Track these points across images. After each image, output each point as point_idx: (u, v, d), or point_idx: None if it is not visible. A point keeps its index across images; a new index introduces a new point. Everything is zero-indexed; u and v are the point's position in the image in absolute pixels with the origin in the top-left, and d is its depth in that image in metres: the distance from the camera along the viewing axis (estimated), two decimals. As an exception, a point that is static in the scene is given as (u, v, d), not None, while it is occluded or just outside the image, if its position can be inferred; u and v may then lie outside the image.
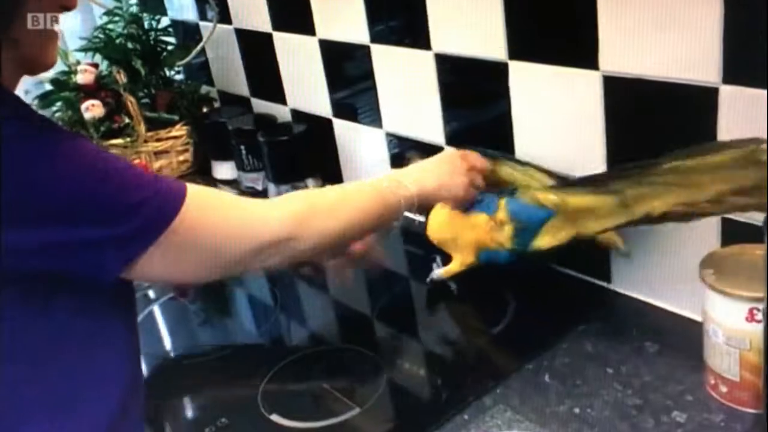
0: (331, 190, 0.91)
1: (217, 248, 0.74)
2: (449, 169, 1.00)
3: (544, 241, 0.98)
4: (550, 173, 1.06)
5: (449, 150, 1.08)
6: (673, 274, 0.98)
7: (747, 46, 0.80)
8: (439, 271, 1.10)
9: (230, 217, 0.75)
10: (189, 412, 0.97)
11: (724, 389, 0.82)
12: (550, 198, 0.96)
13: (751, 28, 0.79)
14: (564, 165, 1.06)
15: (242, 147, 1.56)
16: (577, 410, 0.85)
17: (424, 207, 0.99)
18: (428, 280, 1.11)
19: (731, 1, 0.80)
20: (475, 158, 1.05)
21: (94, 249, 0.66)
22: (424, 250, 1.15)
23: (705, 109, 0.86)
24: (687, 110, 0.88)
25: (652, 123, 0.93)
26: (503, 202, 1.01)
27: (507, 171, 1.09)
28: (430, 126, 1.25)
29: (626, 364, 0.90)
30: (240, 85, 1.71)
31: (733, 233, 0.89)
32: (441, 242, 1.10)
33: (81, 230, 0.64)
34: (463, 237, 1.06)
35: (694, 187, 0.83)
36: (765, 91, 0.80)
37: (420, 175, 0.96)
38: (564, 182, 1.02)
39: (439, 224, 1.09)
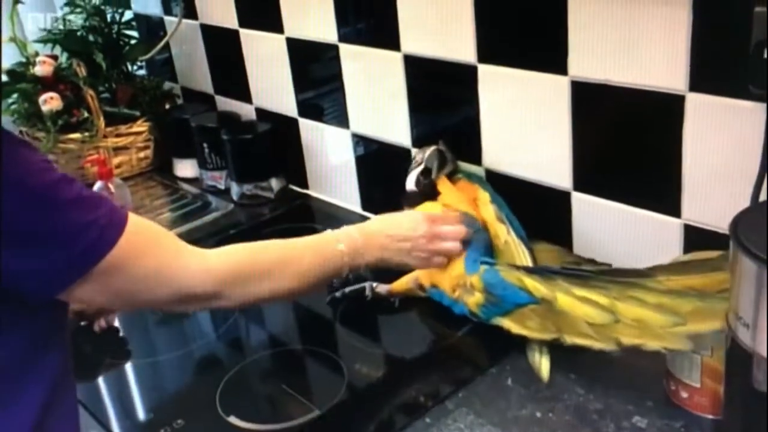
0: (273, 250, 0.86)
1: (139, 289, 0.73)
2: (405, 247, 0.94)
3: (512, 326, 0.92)
4: (531, 251, 1.00)
5: (417, 214, 1.00)
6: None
7: (714, 54, 0.81)
8: (384, 287, 1.07)
9: (162, 262, 0.74)
10: (144, 414, 0.94)
11: (684, 395, 0.82)
12: (540, 290, 0.89)
13: (719, 36, 0.80)
14: (532, 171, 1.06)
15: (205, 145, 1.53)
16: (538, 414, 0.84)
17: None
18: (367, 294, 1.07)
19: (699, 9, 0.81)
20: (448, 230, 0.98)
21: (24, 275, 0.65)
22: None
23: (671, 116, 0.86)
24: (654, 117, 0.89)
25: (619, 129, 0.94)
26: (482, 269, 0.96)
27: (491, 215, 1.04)
28: (397, 128, 1.24)
29: (589, 370, 0.90)
30: (204, 82, 1.68)
31: (695, 240, 0.90)
32: None
33: (16, 257, 0.63)
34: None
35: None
36: (731, 100, 0.81)
37: (374, 246, 0.93)
38: (541, 268, 0.95)
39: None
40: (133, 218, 0.71)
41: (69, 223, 0.66)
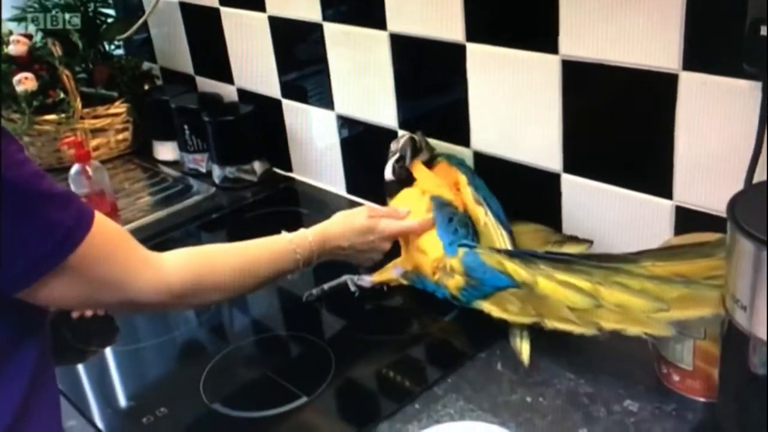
0: (231, 260, 0.86)
1: (93, 293, 0.72)
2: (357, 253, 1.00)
3: (493, 309, 0.92)
4: (510, 233, 0.99)
5: (360, 210, 1.03)
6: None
7: (709, 32, 0.80)
8: (368, 278, 1.05)
9: (119, 270, 0.72)
10: (125, 402, 0.92)
11: (676, 378, 0.81)
12: (521, 273, 0.88)
13: (714, 13, 0.79)
14: (521, 153, 1.05)
15: (186, 127, 1.49)
16: (529, 399, 0.83)
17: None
18: (353, 290, 1.05)
19: (694, -14, 0.79)
20: (386, 224, 1.01)
21: None
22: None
23: (665, 95, 0.85)
24: (646, 97, 0.87)
25: (611, 110, 0.92)
26: (461, 252, 0.95)
27: (469, 197, 1.03)
28: (383, 109, 1.22)
29: (579, 354, 0.89)
30: (184, 63, 1.64)
31: (686, 222, 0.89)
32: None
33: None
34: (412, 246, 1.02)
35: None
36: (726, 79, 0.79)
37: (330, 252, 0.97)
38: (522, 252, 0.93)
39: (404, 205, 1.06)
40: (98, 220, 0.69)
41: (40, 219, 0.64)
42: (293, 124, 1.43)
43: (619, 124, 0.92)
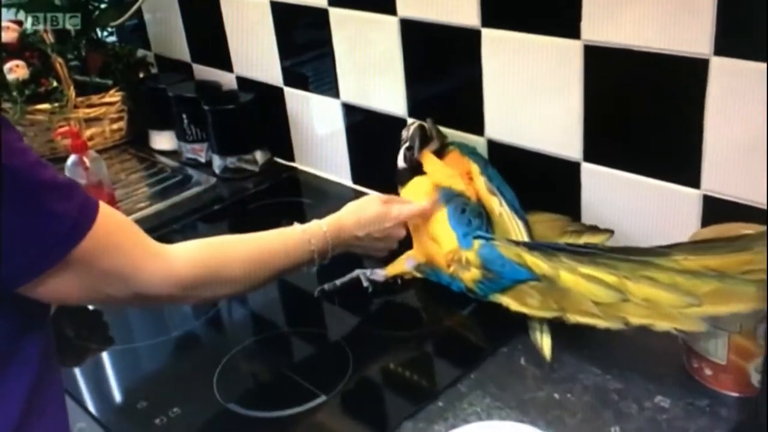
0: (244, 251, 0.82)
1: (100, 286, 0.69)
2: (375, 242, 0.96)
3: (511, 302, 0.88)
4: (526, 223, 0.97)
5: (371, 198, 0.99)
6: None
7: (742, 15, 0.77)
8: (381, 272, 1.02)
9: (125, 262, 0.69)
10: (138, 402, 0.88)
11: (708, 372, 0.79)
12: (542, 266, 0.85)
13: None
14: (538, 142, 1.02)
15: (184, 116, 1.45)
16: (557, 396, 0.81)
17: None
18: (366, 286, 1.02)
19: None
20: (400, 208, 0.97)
21: None
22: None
23: (694, 81, 0.82)
24: (675, 83, 0.85)
25: (635, 96, 0.90)
26: (477, 244, 0.92)
27: (482, 187, 1.00)
28: (391, 97, 1.18)
29: (603, 346, 0.87)
30: (180, 50, 1.59)
31: (714, 211, 0.87)
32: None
33: None
34: (425, 237, 0.99)
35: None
36: (759, 64, 0.77)
37: (345, 244, 0.94)
38: (542, 244, 0.90)
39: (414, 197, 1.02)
40: (103, 211, 0.67)
41: (44, 211, 0.61)
42: (295, 112, 1.39)
43: (644, 111, 0.89)
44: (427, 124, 1.08)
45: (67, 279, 0.65)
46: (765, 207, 0.81)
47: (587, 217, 1.00)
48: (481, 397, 0.81)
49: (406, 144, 1.07)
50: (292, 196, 1.38)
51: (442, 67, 1.11)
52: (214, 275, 0.78)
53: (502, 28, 0.99)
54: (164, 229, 1.25)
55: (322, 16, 1.22)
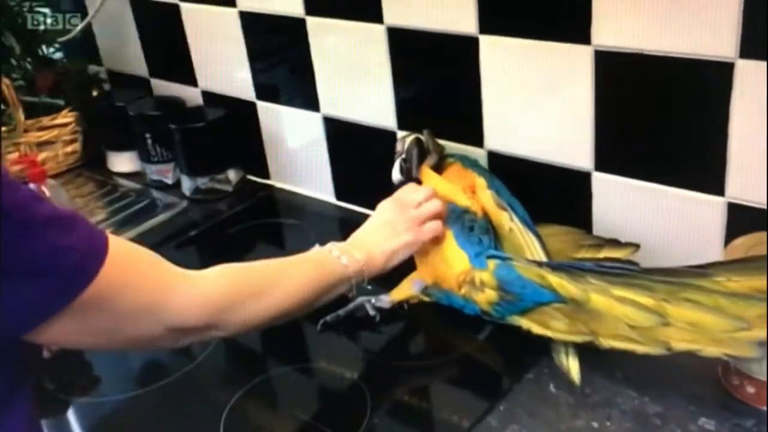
0: (268, 266, 0.78)
1: (124, 325, 0.63)
2: (390, 230, 0.89)
3: (533, 326, 0.83)
4: (539, 238, 0.91)
5: (384, 204, 0.94)
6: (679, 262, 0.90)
7: (772, 17, 0.74)
8: (386, 298, 0.95)
9: (150, 293, 0.63)
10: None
11: (750, 390, 0.76)
12: (569, 288, 0.80)
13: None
14: (543, 152, 0.97)
15: (147, 135, 1.35)
16: (595, 424, 0.76)
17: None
18: (372, 314, 0.94)
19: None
20: (413, 195, 0.93)
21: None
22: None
23: (717, 85, 0.79)
24: (696, 88, 0.81)
25: (651, 102, 0.86)
26: (492, 264, 0.87)
27: (490, 202, 0.94)
28: (379, 109, 1.12)
29: (636, 365, 0.82)
30: (135, 64, 1.49)
31: (739, 219, 0.84)
32: None
33: None
34: (431, 257, 0.93)
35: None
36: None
37: (368, 244, 0.87)
38: (567, 264, 0.85)
39: None
40: (113, 240, 0.60)
41: (45, 249, 0.55)
42: (270, 127, 1.31)
43: (662, 117, 0.85)
44: (424, 137, 1.02)
45: (80, 323, 0.59)
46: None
47: (599, 229, 0.96)
48: (517, 431, 0.76)
49: (402, 156, 1.01)
50: (272, 217, 1.30)
51: (436, 77, 1.05)
52: (243, 292, 0.72)
53: (503, 35, 0.94)
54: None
55: (299, 26, 1.15)
